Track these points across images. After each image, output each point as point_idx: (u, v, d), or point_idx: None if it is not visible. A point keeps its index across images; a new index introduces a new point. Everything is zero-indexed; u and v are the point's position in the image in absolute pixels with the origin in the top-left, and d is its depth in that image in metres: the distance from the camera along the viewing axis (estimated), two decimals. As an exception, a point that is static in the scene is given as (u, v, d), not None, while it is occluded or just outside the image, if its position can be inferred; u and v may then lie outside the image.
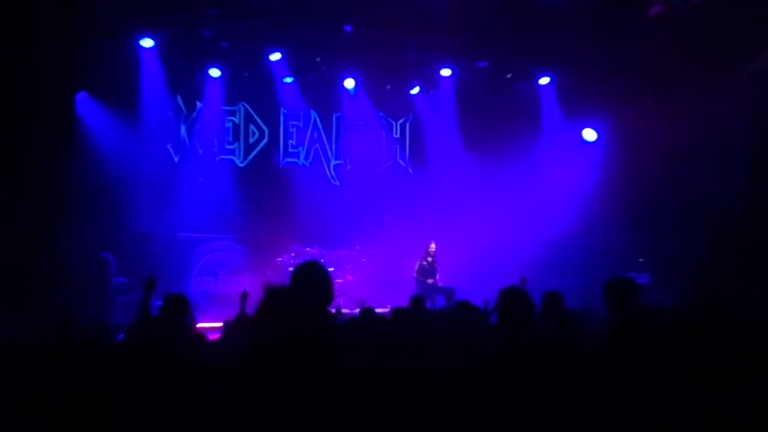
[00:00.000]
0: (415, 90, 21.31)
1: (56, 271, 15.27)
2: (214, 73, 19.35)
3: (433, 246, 18.63)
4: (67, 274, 15.37)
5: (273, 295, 5.39)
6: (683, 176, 17.77)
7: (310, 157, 21.33)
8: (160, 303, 15.65)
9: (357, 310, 11.33)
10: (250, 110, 20.71)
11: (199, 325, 10.81)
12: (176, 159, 19.69)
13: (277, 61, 19.31)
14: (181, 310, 8.27)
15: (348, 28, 17.54)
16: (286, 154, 21.12)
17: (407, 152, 22.28)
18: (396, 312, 9.31)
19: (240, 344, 5.86)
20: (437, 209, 20.93)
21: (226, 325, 10.71)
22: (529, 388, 5.67)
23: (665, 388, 5.08)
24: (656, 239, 18.19)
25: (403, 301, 10.84)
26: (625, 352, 5.32)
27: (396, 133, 22.23)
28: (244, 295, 10.55)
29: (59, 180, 16.09)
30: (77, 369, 6.13)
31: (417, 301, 10.63)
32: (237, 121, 20.61)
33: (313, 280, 5.48)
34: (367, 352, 6.12)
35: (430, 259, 18.59)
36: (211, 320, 13.53)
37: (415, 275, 18.55)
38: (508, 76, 20.35)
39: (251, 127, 20.77)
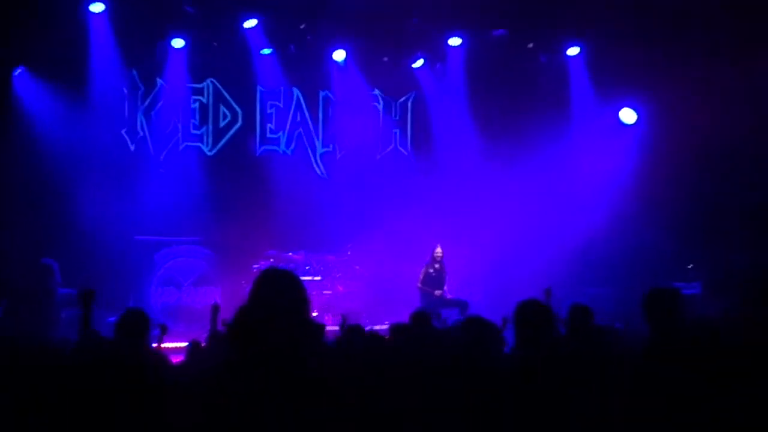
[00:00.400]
0: (419, 63, 21.45)
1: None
2: (177, 43, 19.43)
3: (439, 250, 18.74)
4: (3, 283, 15.49)
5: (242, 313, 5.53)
6: (740, 167, 17.90)
7: (293, 144, 21.45)
8: (113, 318, 15.85)
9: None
10: (221, 88, 20.82)
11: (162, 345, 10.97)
12: (132, 147, 19.76)
13: (252, 28, 19.45)
14: (140, 331, 8.36)
15: (338, -11, 17.72)
16: (264, 140, 21.25)
17: (409, 137, 22.43)
18: (395, 329, 9.23)
19: (209, 367, 6.00)
20: (445, 206, 20.98)
21: (193, 345, 10.86)
22: (551, 419, 5.74)
23: (714, 416, 5.14)
24: (709, 241, 18.29)
25: (405, 317, 10.68)
26: (667, 376, 5.36)
27: (395, 115, 22.37)
28: (216, 309, 10.64)
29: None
30: (16, 395, 6.28)
31: (420, 316, 10.48)
32: (205, 101, 20.71)
33: (281, 288, 5.53)
34: (353, 380, 6.18)
35: (437, 266, 18.72)
36: (176, 339, 13.67)
37: (419, 285, 18.69)
38: (530, 45, 20.51)
39: (222, 108, 20.86)
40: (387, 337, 9.76)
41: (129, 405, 6.14)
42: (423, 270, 18.77)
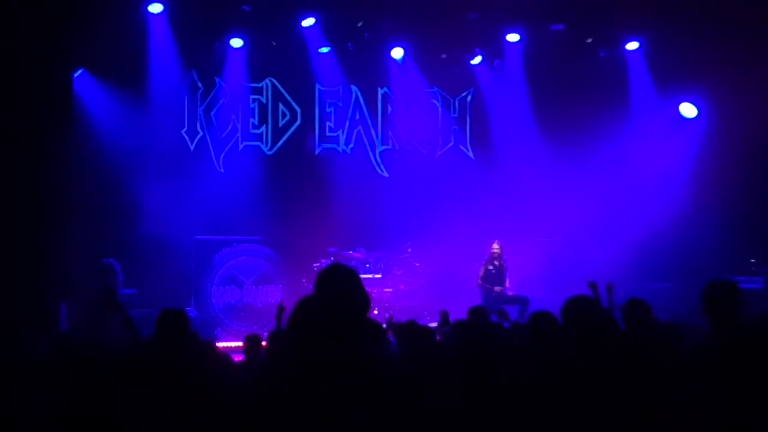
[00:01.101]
0: (477, 60, 21.41)
1: (53, 280, 15.52)
2: (236, 43, 19.53)
3: (497, 246, 18.64)
4: (66, 283, 15.60)
5: (301, 309, 5.48)
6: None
7: (352, 142, 21.44)
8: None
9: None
10: (279, 87, 20.86)
11: (222, 344, 11.01)
12: (192, 147, 19.85)
13: (310, 27, 19.49)
14: (179, 329, 8.26)
15: (396, -14, 17.68)
16: (323, 138, 21.26)
17: (468, 134, 22.34)
18: (453, 326, 9.10)
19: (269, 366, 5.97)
20: (505, 203, 20.88)
21: (248, 341, 10.90)
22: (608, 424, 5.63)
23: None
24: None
25: (465, 314, 10.63)
26: (730, 377, 5.24)
27: (454, 112, 22.29)
28: (281, 309, 10.62)
29: (56, 173, 16.34)
30: (78, 394, 6.31)
31: (478, 312, 10.35)
32: (264, 101, 20.75)
33: (345, 285, 5.45)
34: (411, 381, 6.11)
35: (496, 262, 18.64)
36: (238, 339, 13.69)
37: (479, 282, 18.61)
38: (589, 41, 20.40)
39: (281, 107, 20.89)
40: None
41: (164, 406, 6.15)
42: (483, 267, 18.70)
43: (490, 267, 18.62)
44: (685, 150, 19.99)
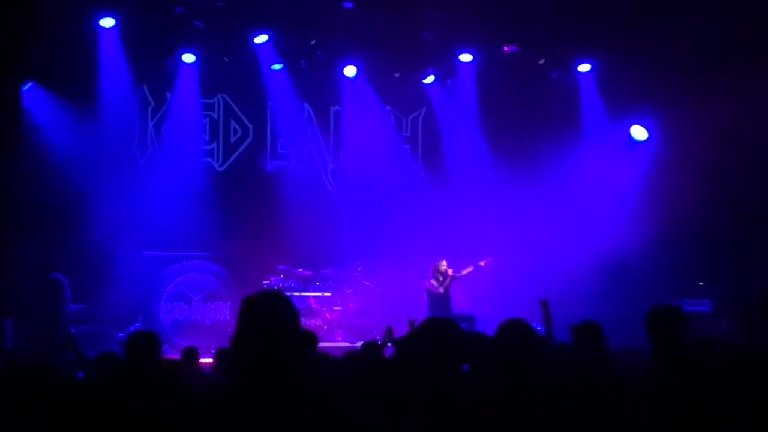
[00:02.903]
0: (430, 79, 21.45)
1: (-1, 295, 15.34)
2: (188, 58, 19.45)
3: (444, 265, 18.55)
4: (12, 298, 15.44)
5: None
6: (751, 183, 17.85)
7: (303, 160, 21.39)
8: (123, 335, 15.81)
9: (359, 344, 11.36)
10: (231, 103, 20.80)
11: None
12: (142, 161, 19.73)
13: (263, 44, 19.47)
14: (150, 352, 8.19)
15: (348, 4, 17.67)
16: (275, 155, 21.21)
17: (420, 153, 22.36)
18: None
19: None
20: (455, 222, 20.90)
21: (185, 354, 10.89)
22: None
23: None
24: (721, 258, 18.26)
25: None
26: (670, 400, 5.25)
27: (406, 131, 22.31)
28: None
29: (2, 186, 16.16)
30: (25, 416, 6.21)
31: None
32: (215, 117, 20.69)
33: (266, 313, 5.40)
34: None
35: (441, 278, 18.58)
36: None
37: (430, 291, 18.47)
38: (541, 62, 20.50)
39: (232, 123, 20.84)
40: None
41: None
42: (433, 279, 18.58)
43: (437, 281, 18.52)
44: (635, 172, 20.11)
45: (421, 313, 17.76)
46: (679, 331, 6.83)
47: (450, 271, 18.49)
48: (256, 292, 5.42)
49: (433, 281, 18.42)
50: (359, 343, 11.47)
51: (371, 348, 9.33)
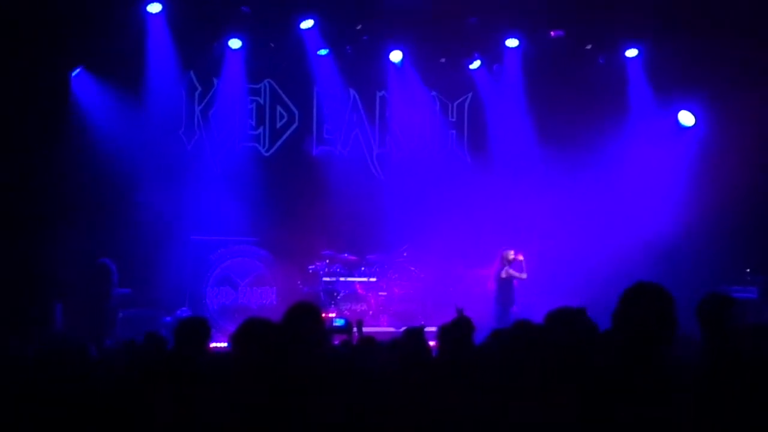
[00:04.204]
0: (476, 64, 21.37)
1: (49, 280, 15.49)
2: (235, 44, 19.46)
3: (512, 254, 18.54)
4: (61, 283, 15.58)
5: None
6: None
7: (349, 145, 21.40)
8: (169, 318, 15.92)
9: (403, 329, 11.31)
10: (278, 88, 20.82)
11: (215, 344, 10.98)
12: (189, 147, 19.80)
13: (309, 29, 19.46)
14: (200, 338, 8.23)
15: (394, -11, 17.65)
16: (321, 140, 21.19)
17: (465, 139, 22.32)
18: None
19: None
20: (501, 208, 20.82)
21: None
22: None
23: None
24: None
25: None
26: (724, 395, 5.20)
27: (452, 116, 22.27)
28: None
29: (52, 173, 16.32)
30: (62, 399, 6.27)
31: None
32: (262, 102, 20.72)
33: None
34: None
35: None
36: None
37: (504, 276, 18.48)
38: (588, 47, 20.39)
39: (279, 108, 20.86)
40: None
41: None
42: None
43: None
44: (682, 158, 19.99)
45: (467, 300, 17.80)
46: (731, 319, 6.80)
47: (520, 257, 18.50)
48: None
49: (510, 270, 18.42)
50: (404, 329, 11.43)
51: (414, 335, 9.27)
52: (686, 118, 20.29)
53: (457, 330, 8.38)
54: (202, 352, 8.01)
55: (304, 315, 6.43)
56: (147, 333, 9.39)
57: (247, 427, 5.20)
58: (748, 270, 18.22)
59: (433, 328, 11.75)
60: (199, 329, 8.18)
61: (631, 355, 5.27)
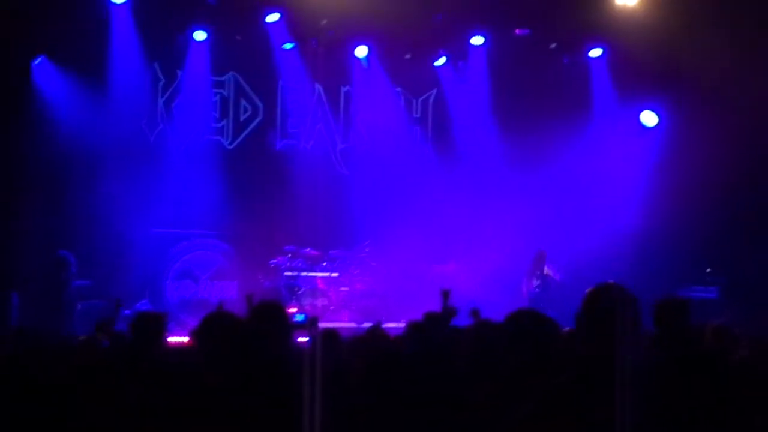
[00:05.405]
0: (441, 61, 21.35)
1: (6, 269, 15.35)
2: (199, 36, 19.33)
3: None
4: (19, 273, 15.45)
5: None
6: (762, 170, 17.80)
7: (313, 139, 21.32)
8: (129, 312, 15.79)
9: (366, 325, 11.19)
10: (242, 82, 20.71)
11: (174, 338, 10.88)
12: (152, 138, 19.64)
13: (275, 22, 19.38)
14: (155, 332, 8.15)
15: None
16: (285, 134, 21.13)
17: (429, 135, 22.28)
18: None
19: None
20: (465, 204, 20.83)
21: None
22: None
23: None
24: (730, 246, 18.24)
25: (421, 315, 10.39)
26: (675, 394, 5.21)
27: (416, 112, 22.23)
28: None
29: (11, 162, 16.16)
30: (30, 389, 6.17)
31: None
32: (226, 95, 20.61)
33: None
34: None
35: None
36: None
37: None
38: (553, 46, 20.41)
39: (243, 101, 20.76)
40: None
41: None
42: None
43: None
44: (644, 158, 20.06)
45: (429, 296, 17.75)
46: (686, 321, 6.86)
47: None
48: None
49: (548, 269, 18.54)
50: (366, 324, 11.28)
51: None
52: (649, 118, 20.35)
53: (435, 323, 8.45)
54: (158, 345, 7.93)
55: (270, 313, 6.42)
56: (97, 322, 9.30)
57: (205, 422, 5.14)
58: (708, 270, 18.30)
59: (394, 324, 11.72)
60: (154, 323, 8.10)
61: (593, 354, 5.23)
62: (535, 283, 18.49)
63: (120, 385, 6.25)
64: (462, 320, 10.82)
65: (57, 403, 6.07)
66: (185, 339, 14.83)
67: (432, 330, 8.99)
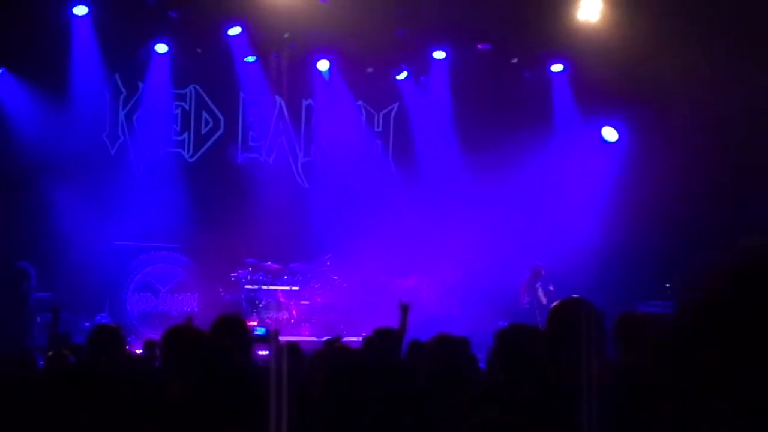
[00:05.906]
0: (403, 75, 21.38)
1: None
2: (161, 48, 19.32)
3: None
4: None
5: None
6: (723, 186, 17.92)
7: (274, 153, 21.28)
8: (88, 324, 15.68)
9: (325, 338, 11.17)
10: (203, 94, 20.66)
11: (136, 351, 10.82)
12: (112, 151, 19.58)
13: (236, 36, 19.36)
14: (112, 345, 8.10)
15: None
16: (246, 147, 21.08)
17: (391, 149, 22.28)
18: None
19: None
20: (425, 218, 20.81)
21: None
22: None
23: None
24: (688, 260, 18.29)
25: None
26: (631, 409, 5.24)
27: (378, 126, 22.23)
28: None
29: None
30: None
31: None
32: (187, 108, 20.55)
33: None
34: None
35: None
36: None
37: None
38: (514, 61, 20.47)
39: (204, 114, 20.70)
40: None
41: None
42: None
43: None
44: (605, 173, 20.16)
45: (392, 309, 17.71)
46: (644, 335, 6.89)
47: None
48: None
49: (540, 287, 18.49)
50: (325, 338, 11.26)
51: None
52: (610, 133, 20.46)
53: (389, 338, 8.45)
54: (115, 359, 7.88)
55: (231, 326, 6.43)
56: (51, 336, 9.23)
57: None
58: (667, 285, 18.39)
59: (355, 338, 11.71)
60: (112, 336, 8.05)
61: (562, 366, 5.26)
62: (527, 299, 18.45)
63: (78, 400, 6.20)
64: (422, 333, 10.80)
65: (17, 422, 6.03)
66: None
67: (385, 344, 8.98)
